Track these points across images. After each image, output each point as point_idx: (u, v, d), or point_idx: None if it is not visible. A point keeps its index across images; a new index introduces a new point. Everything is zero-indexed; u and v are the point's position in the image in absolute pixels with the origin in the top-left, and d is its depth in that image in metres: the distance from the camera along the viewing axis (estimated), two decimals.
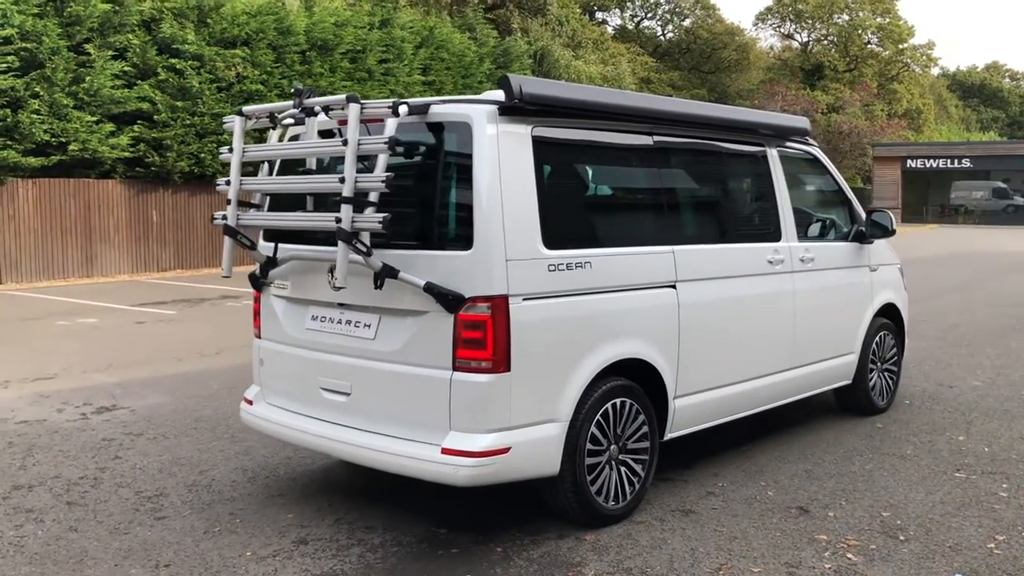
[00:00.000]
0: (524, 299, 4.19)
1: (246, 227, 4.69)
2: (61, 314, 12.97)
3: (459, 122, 4.23)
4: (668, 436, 5.05)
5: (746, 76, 62.66)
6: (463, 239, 4.15)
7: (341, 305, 4.62)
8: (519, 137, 4.27)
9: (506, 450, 4.15)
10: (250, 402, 5.13)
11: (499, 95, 4.25)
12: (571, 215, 4.68)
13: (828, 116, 53.08)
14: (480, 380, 4.11)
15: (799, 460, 5.76)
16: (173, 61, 18.93)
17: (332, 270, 4.47)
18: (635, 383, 4.75)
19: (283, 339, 4.96)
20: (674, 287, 4.95)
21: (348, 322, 4.59)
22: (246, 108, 4.69)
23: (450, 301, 4.11)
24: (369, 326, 4.49)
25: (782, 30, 67.77)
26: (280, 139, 4.78)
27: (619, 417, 4.65)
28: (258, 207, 4.83)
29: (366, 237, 4.10)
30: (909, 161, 47.10)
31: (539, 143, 4.36)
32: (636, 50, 58.70)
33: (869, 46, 63.90)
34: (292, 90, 4.56)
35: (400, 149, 4.08)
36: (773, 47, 69.37)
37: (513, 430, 4.18)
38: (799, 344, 5.94)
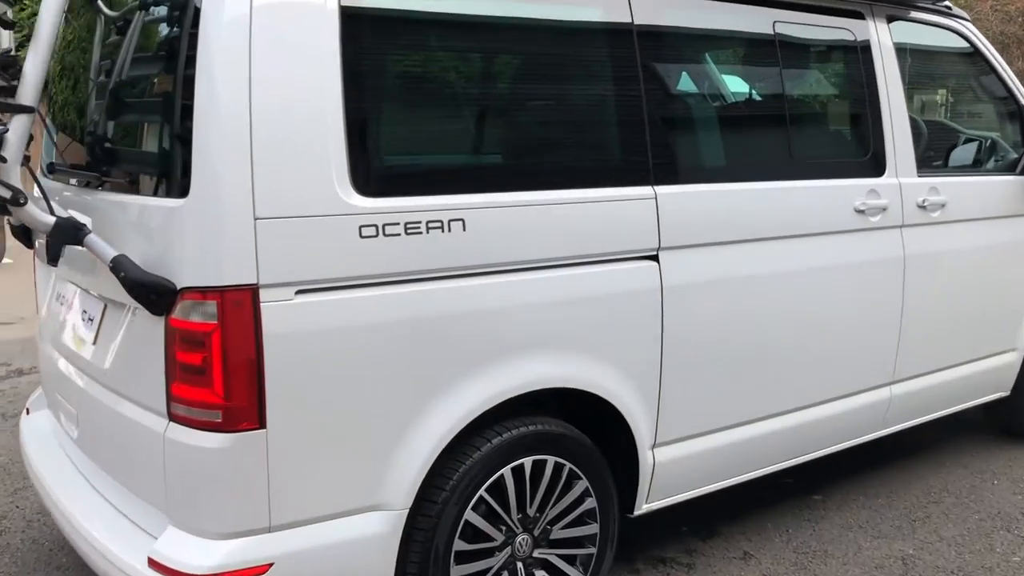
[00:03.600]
0: (300, 291, 2.24)
1: None
2: None
3: None
4: (641, 510, 3.00)
5: None
6: (185, 179, 2.21)
7: (75, 285, 2.83)
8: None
9: (262, 569, 2.27)
10: (28, 412, 3.46)
11: None
12: (424, 136, 2.60)
13: None
14: (204, 444, 2.21)
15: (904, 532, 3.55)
16: None
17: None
18: (568, 427, 2.73)
19: (41, 327, 3.25)
20: (656, 258, 2.83)
21: (81, 312, 2.79)
22: None
23: (149, 295, 2.21)
24: (92, 320, 2.68)
25: None
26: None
27: (532, 489, 2.66)
28: None
29: (12, 172, 2.25)
30: None
31: (353, 13, 2.31)
32: None
33: None
34: None
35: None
36: None
37: (277, 532, 2.28)
38: (911, 345, 3.65)
